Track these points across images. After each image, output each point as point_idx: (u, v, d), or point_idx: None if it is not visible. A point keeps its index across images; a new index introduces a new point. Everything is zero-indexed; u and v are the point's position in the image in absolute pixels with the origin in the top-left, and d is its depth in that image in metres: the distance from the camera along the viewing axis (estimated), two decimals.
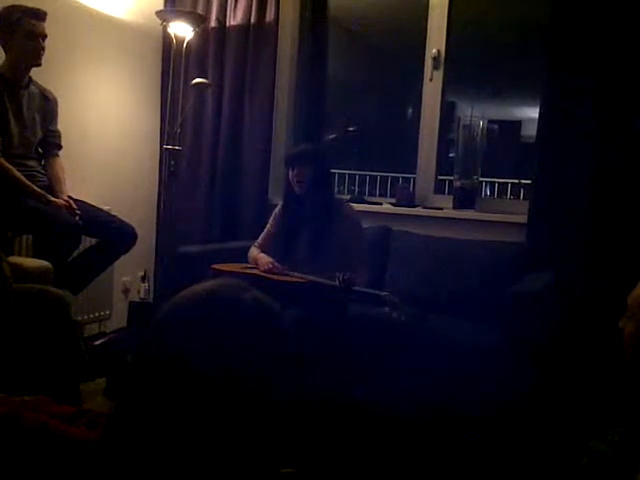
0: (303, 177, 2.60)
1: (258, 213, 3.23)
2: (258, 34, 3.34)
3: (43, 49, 2.49)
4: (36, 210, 2.43)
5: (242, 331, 0.68)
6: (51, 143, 2.69)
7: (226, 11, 3.41)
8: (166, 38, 3.41)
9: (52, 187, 2.59)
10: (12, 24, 2.41)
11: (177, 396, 0.65)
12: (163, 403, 0.65)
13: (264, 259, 2.65)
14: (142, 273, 3.57)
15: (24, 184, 2.45)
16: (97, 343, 2.82)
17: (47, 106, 2.65)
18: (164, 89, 3.50)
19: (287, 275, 2.53)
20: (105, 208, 2.83)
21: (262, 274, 2.57)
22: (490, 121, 3.20)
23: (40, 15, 2.47)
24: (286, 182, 2.72)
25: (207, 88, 3.23)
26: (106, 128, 3.28)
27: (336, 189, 3.57)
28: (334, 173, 3.56)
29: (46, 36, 2.49)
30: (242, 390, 0.65)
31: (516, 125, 3.59)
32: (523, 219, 2.76)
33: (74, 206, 2.53)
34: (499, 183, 3.36)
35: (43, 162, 2.69)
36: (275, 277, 2.52)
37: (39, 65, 2.52)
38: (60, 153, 2.73)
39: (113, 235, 2.65)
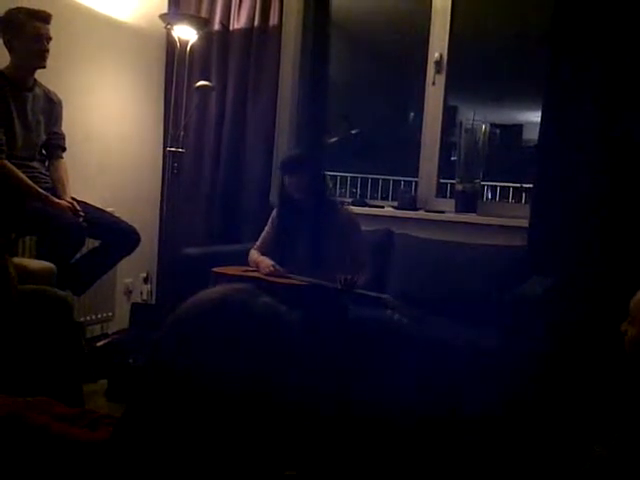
0: (298, 183, 2.62)
1: (260, 215, 3.23)
2: (261, 38, 3.35)
3: (47, 51, 2.50)
4: (40, 212, 2.44)
5: (254, 337, 0.68)
6: (55, 145, 2.70)
7: (230, 14, 3.42)
8: (170, 41, 3.42)
9: (56, 189, 2.59)
10: (17, 26, 2.42)
11: (188, 400, 0.65)
12: (174, 407, 0.66)
13: (265, 262, 2.66)
14: (144, 275, 3.57)
15: (28, 186, 2.45)
16: (99, 344, 2.83)
17: (52, 108, 2.66)
18: (168, 92, 3.51)
19: (288, 278, 2.53)
20: (108, 210, 2.83)
21: (263, 277, 2.57)
22: (492, 125, 3.20)
23: (45, 17, 2.48)
24: (281, 187, 2.73)
25: (210, 91, 3.25)
26: (110, 130, 3.29)
27: (338, 192, 3.58)
28: (335, 176, 3.58)
29: (51, 38, 2.50)
30: (253, 395, 0.66)
31: (518, 129, 3.59)
32: (524, 223, 2.76)
33: (78, 208, 2.54)
34: (501, 187, 3.36)
35: (47, 164, 2.70)
36: (276, 280, 2.52)
37: (43, 67, 2.53)
38: (64, 155, 2.74)
39: (116, 237, 2.66)
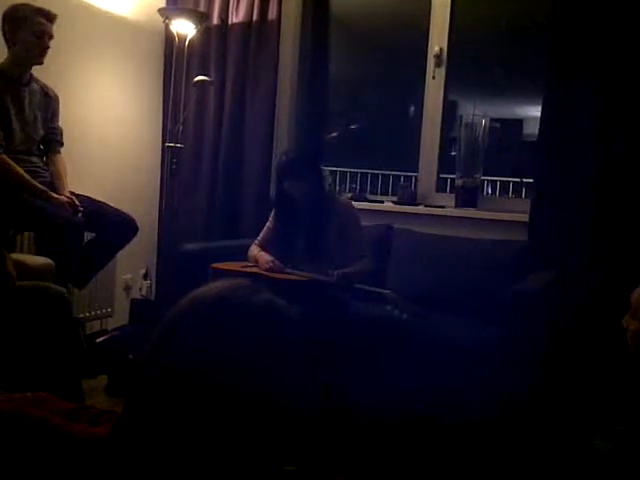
0: (299, 187, 2.59)
1: (259, 211, 3.23)
2: (260, 32, 3.33)
3: (48, 48, 2.51)
4: (38, 207, 2.43)
5: (253, 333, 0.68)
6: (53, 140, 2.69)
7: (228, 9, 3.41)
8: (168, 36, 3.41)
9: (54, 184, 2.59)
10: (21, 20, 2.43)
11: (187, 396, 0.65)
12: (173, 403, 0.65)
13: (264, 257, 2.65)
14: (144, 270, 3.57)
15: (26, 181, 2.45)
16: (99, 340, 2.82)
17: (48, 103, 2.66)
18: (166, 87, 3.50)
19: (287, 273, 2.53)
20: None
21: (262, 272, 2.57)
22: (492, 119, 3.19)
23: (50, 17, 2.50)
24: (279, 187, 2.68)
25: (209, 86, 3.24)
26: (108, 126, 3.28)
27: (337, 187, 3.57)
28: (335, 171, 3.57)
29: (52, 37, 2.51)
30: (253, 390, 0.66)
31: (518, 124, 3.58)
32: (525, 218, 2.76)
33: (76, 202, 2.54)
34: (501, 181, 3.35)
35: (45, 159, 2.69)
36: (275, 275, 2.52)
37: (41, 63, 2.53)
38: (62, 150, 2.73)
39: (114, 227, 2.65)
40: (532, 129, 3.10)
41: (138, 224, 2.73)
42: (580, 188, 2.59)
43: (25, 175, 2.45)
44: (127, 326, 3.17)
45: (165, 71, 3.54)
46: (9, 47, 2.48)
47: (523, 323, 2.15)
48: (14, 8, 2.45)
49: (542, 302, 2.22)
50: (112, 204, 2.91)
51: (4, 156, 2.42)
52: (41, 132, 2.62)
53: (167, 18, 3.13)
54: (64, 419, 0.79)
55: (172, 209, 3.31)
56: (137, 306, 3.24)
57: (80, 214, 2.52)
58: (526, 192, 3.16)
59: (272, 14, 3.31)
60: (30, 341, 1.88)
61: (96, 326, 3.15)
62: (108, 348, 2.76)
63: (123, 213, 2.71)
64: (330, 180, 3.47)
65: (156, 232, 3.52)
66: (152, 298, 3.57)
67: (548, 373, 2.22)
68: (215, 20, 3.42)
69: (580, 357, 2.35)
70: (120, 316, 3.27)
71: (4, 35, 2.47)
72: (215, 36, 3.43)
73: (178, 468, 0.65)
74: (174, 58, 3.28)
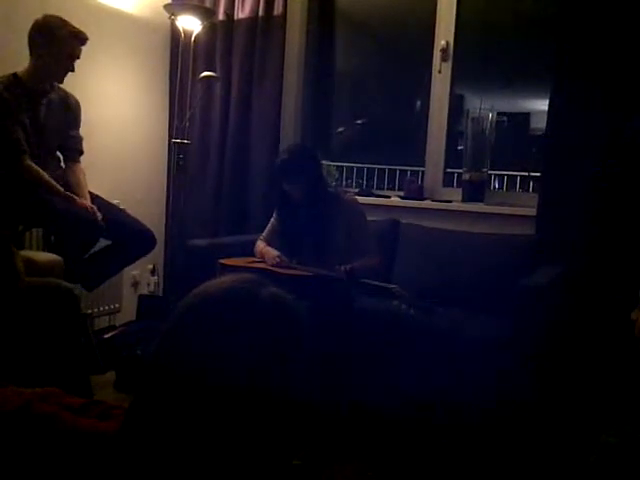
0: (298, 189, 2.58)
1: (266, 206, 3.23)
2: (266, 27, 3.33)
3: (72, 70, 2.47)
4: (52, 203, 2.41)
5: (260, 328, 0.68)
6: (72, 149, 2.64)
7: (234, 4, 3.41)
8: (174, 32, 3.41)
9: (74, 193, 2.52)
10: (56, 39, 2.37)
11: (195, 390, 0.65)
12: (181, 397, 0.66)
13: (271, 253, 2.66)
14: (151, 266, 3.58)
15: (51, 185, 2.41)
16: (107, 336, 2.84)
17: (68, 112, 2.61)
18: (172, 83, 3.51)
19: (294, 268, 2.53)
20: (114, 202, 2.82)
21: (269, 268, 2.57)
22: (499, 113, 3.17)
23: (83, 40, 2.46)
24: (279, 187, 2.65)
25: (215, 81, 3.24)
26: (114, 122, 3.29)
27: (344, 182, 3.56)
28: (341, 166, 3.57)
29: (79, 58, 2.48)
30: (259, 384, 0.66)
31: (525, 117, 3.56)
32: (532, 212, 2.75)
33: (96, 212, 2.48)
34: (508, 176, 3.33)
35: (63, 167, 2.64)
36: (282, 271, 2.52)
37: (61, 82, 2.51)
38: (81, 159, 2.68)
39: (133, 238, 2.62)
40: (539, 123, 3.08)
41: (156, 238, 2.72)
42: (588, 182, 2.57)
43: (49, 179, 2.41)
44: (135, 322, 3.18)
45: (171, 67, 3.55)
46: (33, 56, 2.41)
47: (530, 317, 2.14)
48: (50, 23, 2.38)
49: (550, 296, 2.21)
50: (119, 201, 2.93)
51: (29, 162, 2.37)
52: (57, 142, 2.58)
53: (173, 14, 3.13)
54: (73, 414, 0.80)
55: (179, 205, 3.32)
56: (145, 302, 3.26)
57: (100, 218, 2.48)
58: (533, 186, 3.14)
59: (278, 9, 3.30)
60: (39, 337, 1.90)
61: (104, 322, 3.17)
62: (116, 344, 2.78)
63: (143, 225, 2.68)
64: (337, 175, 3.46)
65: (163, 228, 3.53)
66: (160, 294, 3.59)
67: (556, 367, 2.21)
68: (221, 16, 3.42)
69: (588, 351, 2.34)
70: (128, 312, 3.29)
71: (31, 43, 2.40)
72: (221, 32, 3.43)
73: (187, 462, 0.65)
74: (180, 54, 3.28)
